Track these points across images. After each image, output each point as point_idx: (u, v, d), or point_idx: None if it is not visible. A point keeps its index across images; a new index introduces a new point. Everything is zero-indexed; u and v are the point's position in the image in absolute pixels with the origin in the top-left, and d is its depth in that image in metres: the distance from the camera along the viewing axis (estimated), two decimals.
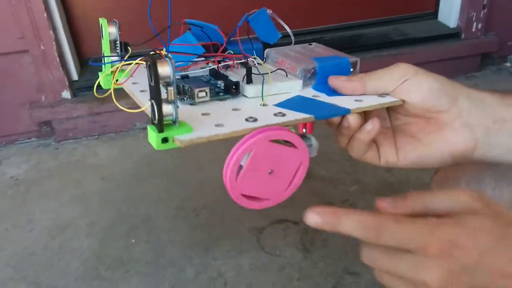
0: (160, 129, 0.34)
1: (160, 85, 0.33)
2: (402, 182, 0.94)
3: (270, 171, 0.37)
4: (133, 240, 0.84)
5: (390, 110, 0.48)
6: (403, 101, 0.42)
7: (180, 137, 0.34)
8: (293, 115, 0.40)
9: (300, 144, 0.37)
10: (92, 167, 1.08)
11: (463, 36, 1.37)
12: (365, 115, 0.44)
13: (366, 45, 1.33)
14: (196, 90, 0.41)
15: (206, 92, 0.42)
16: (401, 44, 1.33)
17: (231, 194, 0.36)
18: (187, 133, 0.34)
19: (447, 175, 0.55)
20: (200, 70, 0.48)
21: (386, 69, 0.44)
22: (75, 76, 1.21)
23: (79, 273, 0.78)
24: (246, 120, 0.38)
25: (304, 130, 0.45)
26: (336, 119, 0.44)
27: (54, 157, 1.14)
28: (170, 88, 0.34)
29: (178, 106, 0.34)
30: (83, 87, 1.19)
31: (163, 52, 0.44)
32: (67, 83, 1.16)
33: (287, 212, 0.89)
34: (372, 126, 0.43)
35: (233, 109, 0.41)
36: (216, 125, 0.36)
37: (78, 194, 0.99)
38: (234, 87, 0.43)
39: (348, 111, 0.42)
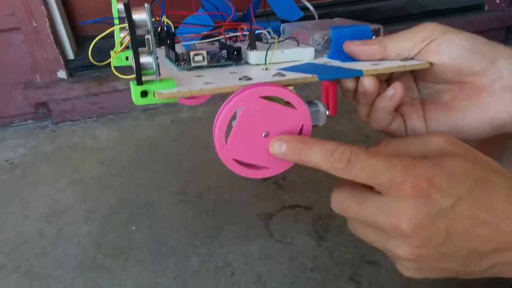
0: (139, 81, 0.32)
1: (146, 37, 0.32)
2: None
3: (264, 133, 0.33)
4: (134, 227, 0.79)
5: (418, 79, 0.42)
6: (431, 64, 0.37)
7: (160, 91, 0.32)
8: (293, 76, 0.35)
9: (299, 103, 0.33)
10: (91, 151, 1.03)
11: (486, 8, 1.29)
12: (389, 84, 0.39)
13: (381, 19, 1.25)
14: (192, 53, 0.39)
15: (203, 56, 0.39)
16: (419, 17, 1.25)
17: (221, 158, 0.34)
18: (169, 88, 0.33)
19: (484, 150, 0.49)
20: (209, 44, 0.45)
21: (410, 30, 0.39)
22: (71, 55, 1.14)
23: (77, 262, 0.73)
24: (240, 79, 0.35)
25: (327, 112, 0.41)
26: (351, 85, 0.39)
27: (51, 140, 1.08)
28: (148, 37, 0.31)
29: (157, 57, 0.33)
30: (80, 66, 1.13)
31: (164, 19, 0.41)
32: (62, 62, 1.10)
33: (298, 197, 0.83)
34: (395, 90, 0.38)
35: (231, 73, 0.37)
36: (205, 83, 0.34)
37: (76, 179, 0.93)
38: (235, 52, 0.39)
39: (360, 72, 0.37)
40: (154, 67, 0.33)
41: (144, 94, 0.33)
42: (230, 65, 0.41)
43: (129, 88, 0.35)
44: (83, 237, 0.78)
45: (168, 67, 0.42)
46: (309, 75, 0.37)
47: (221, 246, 0.74)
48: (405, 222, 0.29)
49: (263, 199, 0.83)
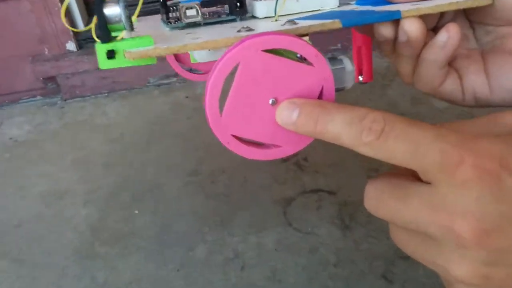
0: (103, 38, 0.26)
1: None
2: None
3: (272, 99, 0.25)
4: (137, 211, 0.71)
5: (475, 22, 0.32)
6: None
7: (131, 50, 0.25)
8: (307, 23, 0.27)
9: (317, 57, 0.24)
10: (100, 128, 0.95)
11: None
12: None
13: None
14: (183, 6, 0.32)
15: (197, 10, 0.32)
16: None
17: (215, 134, 0.26)
18: (143, 47, 0.26)
19: None
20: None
21: None
22: (81, 26, 1.07)
23: (72, 249, 0.65)
24: (238, 31, 0.27)
25: (360, 78, 0.34)
26: (388, 32, 0.29)
27: (60, 117, 1.01)
28: None
29: (127, 6, 0.26)
30: (90, 37, 1.05)
31: None
32: (71, 33, 1.02)
33: (322, 180, 0.73)
34: (448, 34, 0.28)
35: (232, 27, 0.30)
36: (193, 39, 0.27)
37: (80, 157, 0.86)
38: (238, 3, 0.33)
39: (397, 14, 0.27)
40: (122, 18, 0.26)
41: (111, 54, 0.26)
42: (234, 20, 0.32)
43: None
44: (81, 220, 0.70)
45: (160, 31, 0.33)
46: (328, 21, 0.27)
47: (232, 234, 0.65)
48: (463, 222, 0.19)
49: (282, 182, 0.73)
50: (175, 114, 0.98)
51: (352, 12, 0.29)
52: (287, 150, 0.27)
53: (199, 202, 0.71)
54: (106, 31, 0.25)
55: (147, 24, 0.38)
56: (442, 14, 0.32)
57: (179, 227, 0.67)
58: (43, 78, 1.05)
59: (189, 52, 0.51)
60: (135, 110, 1.01)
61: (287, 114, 0.24)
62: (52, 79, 1.06)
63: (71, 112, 1.03)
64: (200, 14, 0.32)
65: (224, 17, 0.32)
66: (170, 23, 0.32)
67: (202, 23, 0.32)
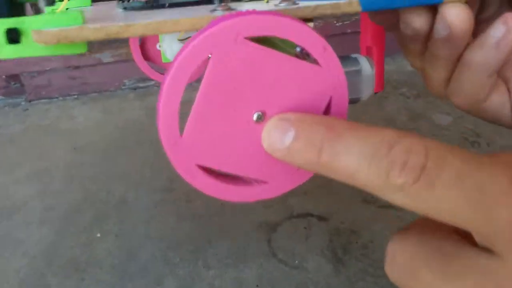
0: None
1: None
2: None
3: (258, 114, 0.17)
4: (99, 234, 0.62)
5: None
6: None
7: (44, 30, 0.17)
8: (311, 3, 0.19)
9: (324, 51, 0.17)
10: (64, 134, 0.86)
11: None
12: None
13: None
14: None
15: None
16: None
17: (173, 162, 0.19)
18: (65, 26, 0.17)
19: None
20: None
21: None
22: None
23: (18, 279, 0.56)
24: (212, 11, 0.20)
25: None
26: (421, 23, 0.21)
27: (21, 120, 0.91)
28: None
29: None
30: None
31: None
32: None
33: (311, 203, 0.64)
34: (506, 28, 0.20)
35: (206, 9, 0.21)
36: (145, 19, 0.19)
37: (39, 168, 0.76)
38: None
39: None
40: None
41: (13, 36, 0.18)
42: (211, 2, 0.25)
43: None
44: (33, 244, 0.61)
45: (109, 13, 0.25)
46: (343, 1, 0.19)
47: (207, 266, 0.56)
48: None
49: (266, 204, 0.65)
50: (151, 121, 0.88)
51: None
52: (275, 188, 0.20)
53: (170, 225, 0.62)
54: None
55: (102, 9, 0.29)
56: (485, 2, 0.24)
57: (146, 255, 0.58)
58: (5, 76, 0.95)
59: (161, 50, 0.42)
60: (106, 115, 0.91)
61: (278, 137, 0.17)
62: (15, 77, 0.96)
63: (35, 115, 0.93)
64: None
65: None
66: (123, 0, 0.24)
67: (167, 4, 0.24)
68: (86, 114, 0.92)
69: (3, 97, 0.98)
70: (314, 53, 0.17)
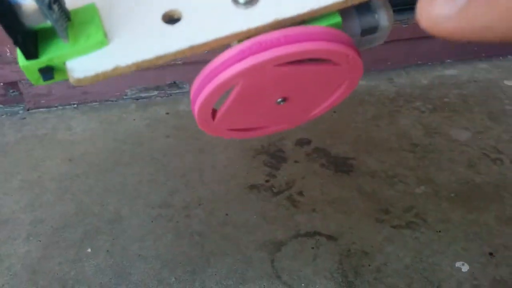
0: (27, 53, 0.18)
1: None
2: (494, 184, 0.63)
3: (280, 99, 0.20)
4: (89, 250, 0.57)
5: None
6: None
7: (78, 73, 0.18)
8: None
9: (347, 58, 0.19)
10: (61, 144, 0.82)
11: None
12: None
13: None
14: None
15: None
16: None
17: (207, 132, 0.22)
18: (91, 50, 0.18)
19: None
20: None
21: None
22: None
23: None
24: (237, 3, 0.19)
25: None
26: None
27: (18, 129, 0.88)
28: None
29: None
30: None
31: None
32: None
33: (319, 221, 0.59)
34: None
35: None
36: (159, 35, 0.19)
37: (31, 179, 0.72)
38: None
39: None
40: (51, 16, 0.17)
41: (47, 74, 0.19)
42: None
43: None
44: (19, 259, 0.56)
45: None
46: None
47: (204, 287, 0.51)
48: None
49: (270, 220, 0.60)
50: (152, 133, 0.84)
51: None
52: (282, 125, 0.24)
53: (166, 243, 0.58)
54: (28, 43, 0.17)
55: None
56: None
57: (138, 275, 0.53)
58: (3, 84, 0.92)
59: None
60: (105, 126, 0.88)
61: (444, 5, 0.13)
62: (14, 85, 0.93)
63: (32, 124, 0.89)
64: None
65: None
66: None
67: None
68: (85, 125, 0.88)
69: (1, 106, 0.94)
70: (340, 61, 0.19)
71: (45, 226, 0.62)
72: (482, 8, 0.11)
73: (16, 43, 0.17)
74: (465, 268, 0.52)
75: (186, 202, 0.64)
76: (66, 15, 0.17)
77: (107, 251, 0.57)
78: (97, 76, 0.18)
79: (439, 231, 0.57)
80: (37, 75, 0.19)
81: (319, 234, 0.58)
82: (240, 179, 0.66)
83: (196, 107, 0.20)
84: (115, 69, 0.18)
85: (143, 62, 0.18)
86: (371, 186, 0.64)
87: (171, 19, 0.19)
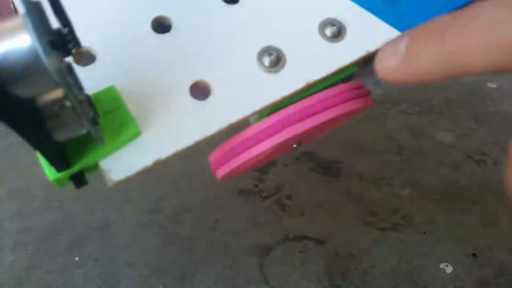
0: (58, 166, 0.18)
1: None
2: (478, 185, 0.64)
3: (295, 145, 0.21)
4: (77, 258, 0.57)
5: None
6: None
7: (110, 166, 0.17)
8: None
9: (371, 102, 0.21)
10: None
11: None
12: None
13: None
14: None
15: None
16: None
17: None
18: (125, 141, 0.17)
19: None
20: None
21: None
22: None
23: None
24: (263, 73, 0.18)
25: None
26: None
27: (5, 137, 0.87)
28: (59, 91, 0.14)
29: (95, 117, 0.15)
30: None
31: None
32: None
33: (308, 225, 0.60)
34: None
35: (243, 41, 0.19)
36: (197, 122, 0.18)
37: (19, 187, 0.72)
38: None
39: None
40: (96, 130, 0.16)
41: (80, 181, 0.18)
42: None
43: None
44: (5, 269, 0.56)
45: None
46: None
47: None
48: None
49: (260, 225, 0.61)
50: None
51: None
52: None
53: (155, 250, 0.58)
54: (59, 154, 0.16)
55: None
56: None
57: (127, 282, 0.53)
58: None
59: None
60: None
61: (391, 49, 0.15)
62: None
63: None
64: None
65: None
66: None
67: None
68: None
69: None
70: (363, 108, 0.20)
71: (33, 234, 0.61)
72: (417, 56, 0.13)
73: (47, 157, 0.16)
74: (449, 269, 0.53)
75: (175, 208, 0.65)
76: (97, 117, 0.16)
77: (96, 259, 0.57)
78: (137, 173, 0.17)
79: (424, 233, 0.58)
80: (67, 182, 0.18)
81: (307, 238, 0.58)
82: (229, 184, 0.66)
83: (224, 172, 0.20)
84: (156, 162, 0.17)
85: (183, 150, 0.17)
86: (358, 189, 0.65)
87: (200, 92, 0.18)
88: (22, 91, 0.13)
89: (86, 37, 0.17)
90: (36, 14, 0.12)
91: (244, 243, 0.58)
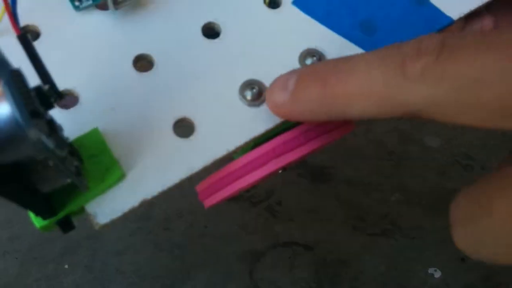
0: (44, 215, 0.17)
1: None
2: None
3: (281, 171, 0.21)
4: (67, 266, 0.57)
5: None
6: None
7: (96, 210, 0.17)
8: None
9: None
10: None
11: None
12: None
13: None
14: None
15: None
16: None
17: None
18: (111, 187, 0.17)
19: None
20: None
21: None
22: None
23: None
24: (245, 106, 0.19)
25: None
26: None
27: None
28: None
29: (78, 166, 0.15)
30: None
31: None
32: None
33: (297, 230, 0.61)
34: None
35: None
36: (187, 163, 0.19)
37: None
38: None
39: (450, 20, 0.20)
40: (80, 181, 0.16)
41: (67, 226, 0.18)
42: None
43: None
44: None
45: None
46: None
47: None
48: None
49: (250, 231, 0.61)
50: None
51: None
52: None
53: (146, 257, 0.58)
54: (43, 204, 0.16)
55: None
56: None
57: None
58: None
59: None
60: None
61: (281, 85, 0.16)
62: None
63: None
64: None
65: None
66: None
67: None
68: None
69: None
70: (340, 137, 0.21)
71: (23, 242, 0.61)
72: (302, 96, 0.14)
73: (33, 210, 0.16)
74: (437, 274, 0.54)
75: (166, 214, 0.65)
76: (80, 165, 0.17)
77: (86, 266, 0.57)
78: (124, 215, 0.17)
79: (413, 238, 0.58)
80: (54, 226, 0.18)
81: (296, 244, 0.59)
82: None
83: (211, 202, 0.20)
84: (142, 202, 0.17)
85: (168, 189, 0.17)
86: (347, 195, 0.66)
87: (184, 129, 0.19)
88: (2, 158, 0.13)
89: (67, 80, 0.17)
90: (15, 82, 0.12)
91: (234, 249, 0.58)
